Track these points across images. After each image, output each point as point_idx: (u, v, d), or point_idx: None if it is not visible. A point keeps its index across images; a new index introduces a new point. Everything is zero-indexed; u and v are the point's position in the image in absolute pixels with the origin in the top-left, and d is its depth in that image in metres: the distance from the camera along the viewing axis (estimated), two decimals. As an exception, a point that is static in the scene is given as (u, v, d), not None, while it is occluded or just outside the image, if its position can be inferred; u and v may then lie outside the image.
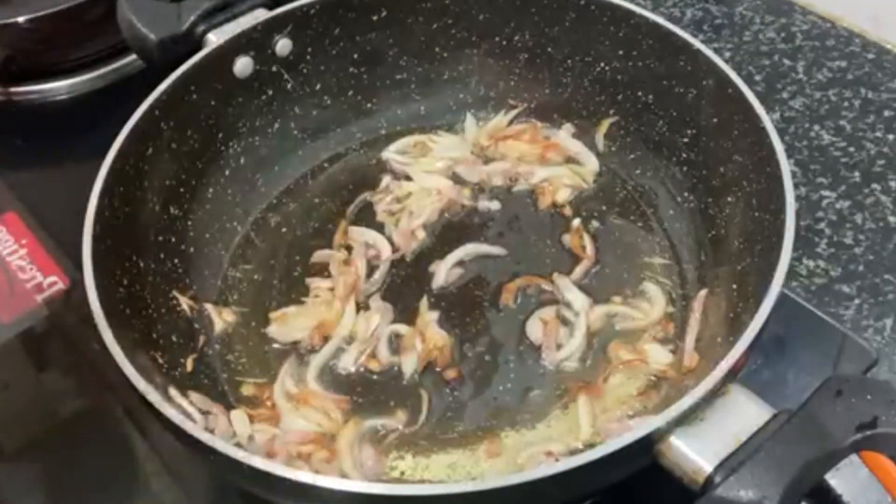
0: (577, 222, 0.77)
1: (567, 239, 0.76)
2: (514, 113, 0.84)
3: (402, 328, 0.70)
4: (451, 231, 0.78)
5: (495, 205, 0.80)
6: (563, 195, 0.79)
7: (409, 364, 0.68)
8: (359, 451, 0.64)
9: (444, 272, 0.74)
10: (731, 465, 0.50)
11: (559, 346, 0.68)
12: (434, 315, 0.71)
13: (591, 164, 0.81)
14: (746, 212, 0.67)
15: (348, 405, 0.67)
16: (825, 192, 0.83)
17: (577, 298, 0.71)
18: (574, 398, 0.66)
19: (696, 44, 0.71)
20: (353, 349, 0.69)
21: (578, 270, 0.73)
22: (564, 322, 0.70)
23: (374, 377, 0.68)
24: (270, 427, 0.65)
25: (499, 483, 0.49)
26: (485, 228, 0.78)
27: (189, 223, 0.75)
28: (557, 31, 0.80)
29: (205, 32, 0.76)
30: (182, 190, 0.75)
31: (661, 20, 0.74)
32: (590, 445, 0.62)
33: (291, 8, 0.78)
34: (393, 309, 0.72)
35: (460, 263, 0.75)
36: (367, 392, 0.68)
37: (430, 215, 0.78)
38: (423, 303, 0.72)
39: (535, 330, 0.70)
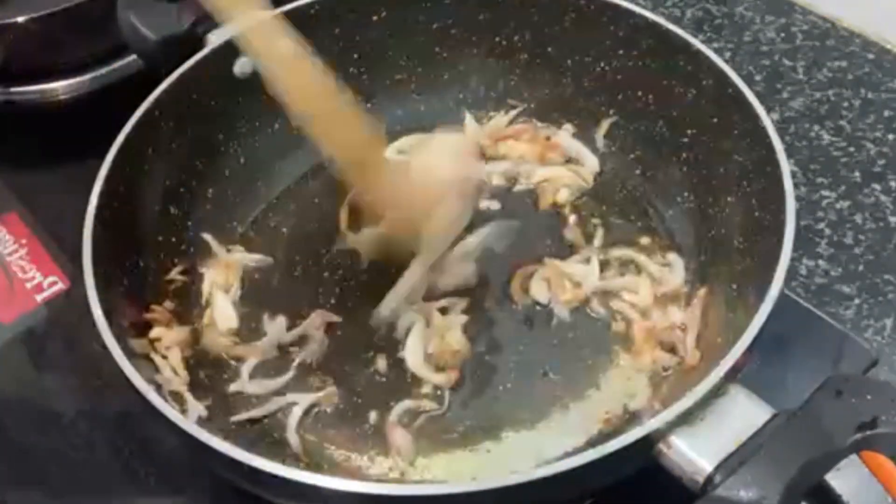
0: (572, 219, 0.77)
1: (568, 234, 0.76)
2: (514, 113, 0.84)
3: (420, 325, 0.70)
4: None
5: (495, 205, 0.79)
6: (563, 195, 0.79)
7: (414, 360, 0.68)
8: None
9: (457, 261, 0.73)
10: (731, 465, 0.50)
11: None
12: (461, 319, 0.70)
13: (592, 164, 0.81)
14: (746, 212, 0.67)
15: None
16: (825, 192, 0.83)
17: (579, 269, 0.72)
18: (574, 398, 0.66)
19: (696, 44, 0.71)
20: None
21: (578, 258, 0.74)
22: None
23: (379, 378, 0.68)
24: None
25: (499, 483, 0.49)
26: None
27: (189, 223, 0.75)
28: (557, 31, 0.80)
29: (205, 32, 0.76)
30: (182, 190, 0.75)
31: (660, 20, 0.74)
32: (590, 445, 0.62)
33: (291, 8, 0.78)
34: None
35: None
36: (369, 391, 0.68)
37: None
38: (458, 305, 0.71)
39: (540, 290, 0.70)
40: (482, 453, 0.64)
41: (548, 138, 0.82)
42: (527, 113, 0.84)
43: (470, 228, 0.73)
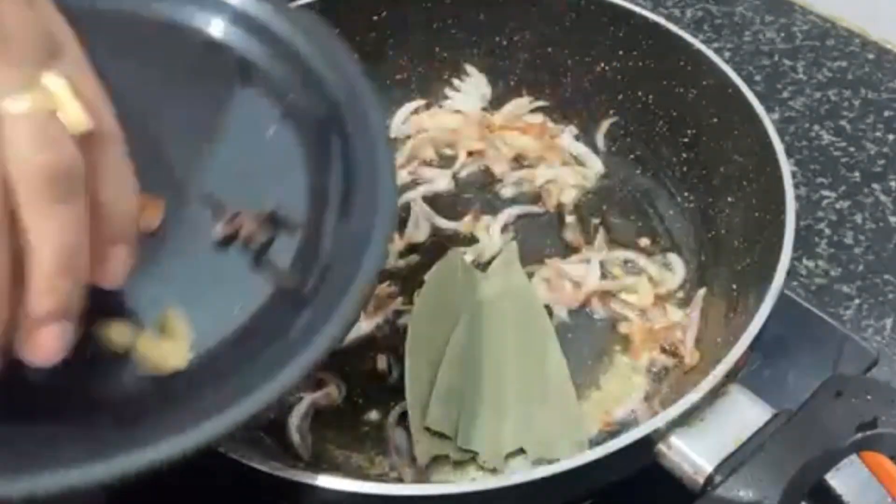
0: (572, 219, 0.77)
1: (568, 235, 0.76)
2: (537, 104, 0.84)
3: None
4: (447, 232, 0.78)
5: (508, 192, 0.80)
6: (568, 196, 0.78)
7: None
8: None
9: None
10: (731, 465, 0.50)
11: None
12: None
13: (596, 166, 0.80)
14: (746, 212, 0.67)
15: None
16: (825, 192, 0.83)
17: (579, 269, 0.72)
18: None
19: (696, 44, 0.71)
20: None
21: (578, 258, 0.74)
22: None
23: (379, 378, 0.68)
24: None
25: (499, 483, 0.49)
26: (485, 228, 0.78)
27: (189, 223, 0.75)
28: (557, 31, 0.80)
29: (205, 32, 0.76)
30: (182, 190, 0.75)
31: (660, 20, 0.74)
32: (590, 445, 0.62)
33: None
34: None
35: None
36: (369, 390, 0.68)
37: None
38: None
39: (540, 290, 0.71)
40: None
41: (553, 138, 0.82)
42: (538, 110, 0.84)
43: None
